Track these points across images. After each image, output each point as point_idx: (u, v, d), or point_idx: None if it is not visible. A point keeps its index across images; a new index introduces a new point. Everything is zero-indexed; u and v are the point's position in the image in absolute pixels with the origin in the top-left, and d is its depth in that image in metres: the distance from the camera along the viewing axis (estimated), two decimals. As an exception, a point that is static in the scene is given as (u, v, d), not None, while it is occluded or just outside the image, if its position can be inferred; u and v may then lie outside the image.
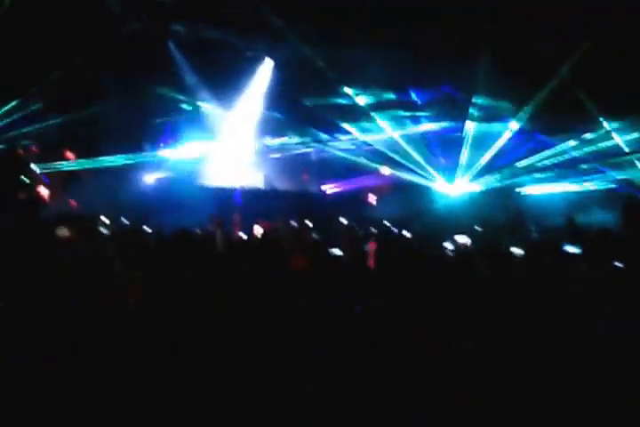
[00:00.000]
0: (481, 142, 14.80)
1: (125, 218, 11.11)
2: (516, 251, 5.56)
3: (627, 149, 13.51)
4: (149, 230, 8.69)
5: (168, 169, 15.59)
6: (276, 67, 15.27)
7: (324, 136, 15.80)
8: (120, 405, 2.98)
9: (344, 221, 10.98)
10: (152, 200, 13.15)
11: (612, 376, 2.97)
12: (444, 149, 15.15)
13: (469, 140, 14.83)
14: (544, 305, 3.51)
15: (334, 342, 3.35)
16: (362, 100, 14.93)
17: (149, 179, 15.63)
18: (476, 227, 10.39)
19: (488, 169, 14.93)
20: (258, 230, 8.08)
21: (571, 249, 5.52)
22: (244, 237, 7.09)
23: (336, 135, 15.68)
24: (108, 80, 13.49)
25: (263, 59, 15.39)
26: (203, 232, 7.33)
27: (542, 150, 14.40)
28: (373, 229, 10.17)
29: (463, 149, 14.86)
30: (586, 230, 8.51)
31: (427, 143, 15.24)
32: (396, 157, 15.49)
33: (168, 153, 15.67)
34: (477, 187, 15.18)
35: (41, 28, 11.69)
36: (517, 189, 15.03)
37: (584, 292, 3.75)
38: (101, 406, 2.96)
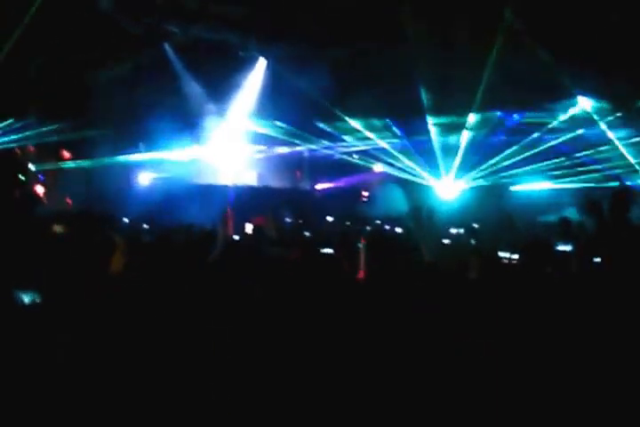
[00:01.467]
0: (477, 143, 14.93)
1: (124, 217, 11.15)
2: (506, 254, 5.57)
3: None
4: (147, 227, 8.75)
5: (164, 169, 15.64)
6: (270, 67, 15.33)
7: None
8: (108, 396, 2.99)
9: (330, 218, 11.05)
10: (149, 199, 13.19)
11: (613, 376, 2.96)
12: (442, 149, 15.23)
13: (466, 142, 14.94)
14: (540, 305, 3.52)
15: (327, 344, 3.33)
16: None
17: (144, 178, 15.68)
18: (474, 224, 10.41)
19: (482, 167, 15.03)
20: (249, 228, 8.11)
21: (562, 247, 5.58)
22: (236, 237, 7.11)
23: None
24: (104, 81, 13.52)
25: (257, 59, 15.44)
26: (201, 230, 7.35)
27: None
28: (367, 227, 10.23)
29: (460, 149, 14.96)
30: (578, 228, 8.53)
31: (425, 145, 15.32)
32: (392, 157, 15.60)
33: (163, 153, 15.72)
34: (471, 184, 15.27)
35: (36, 32, 11.64)
36: (512, 187, 15.11)
37: (577, 290, 3.78)
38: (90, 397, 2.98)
